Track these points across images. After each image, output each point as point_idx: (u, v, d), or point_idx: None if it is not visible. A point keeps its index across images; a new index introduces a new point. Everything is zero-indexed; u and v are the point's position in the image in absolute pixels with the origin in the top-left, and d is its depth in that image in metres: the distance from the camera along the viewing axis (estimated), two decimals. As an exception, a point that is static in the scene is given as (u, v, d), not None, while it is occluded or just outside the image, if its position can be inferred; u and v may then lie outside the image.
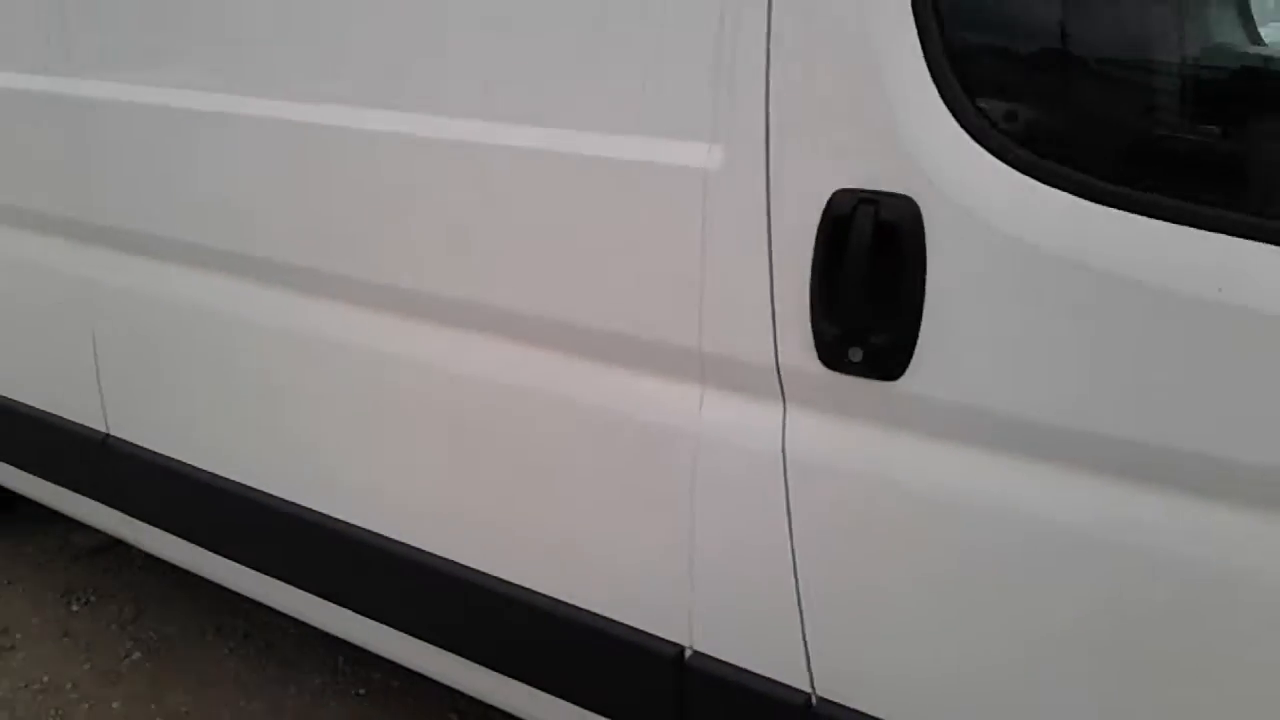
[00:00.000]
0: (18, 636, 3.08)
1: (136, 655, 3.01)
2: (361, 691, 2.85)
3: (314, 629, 2.49)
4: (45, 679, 2.90)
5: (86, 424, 2.68)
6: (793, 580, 1.68)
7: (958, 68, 1.40)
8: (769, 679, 1.76)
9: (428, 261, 1.94)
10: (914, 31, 1.41)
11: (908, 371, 1.49)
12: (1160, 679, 1.42)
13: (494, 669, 2.12)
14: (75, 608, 3.22)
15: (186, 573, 2.88)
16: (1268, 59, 1.60)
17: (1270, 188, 1.30)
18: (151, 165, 2.32)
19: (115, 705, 2.81)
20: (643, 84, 1.63)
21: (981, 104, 1.40)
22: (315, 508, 2.26)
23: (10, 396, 2.87)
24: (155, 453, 2.54)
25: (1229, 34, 1.60)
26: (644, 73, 1.62)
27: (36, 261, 2.68)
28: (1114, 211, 1.31)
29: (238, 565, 2.53)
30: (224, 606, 3.12)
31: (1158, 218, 1.29)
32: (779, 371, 1.60)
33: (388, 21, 1.89)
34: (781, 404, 1.64)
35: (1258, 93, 1.44)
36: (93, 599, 3.25)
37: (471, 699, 2.27)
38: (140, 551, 2.89)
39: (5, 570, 3.40)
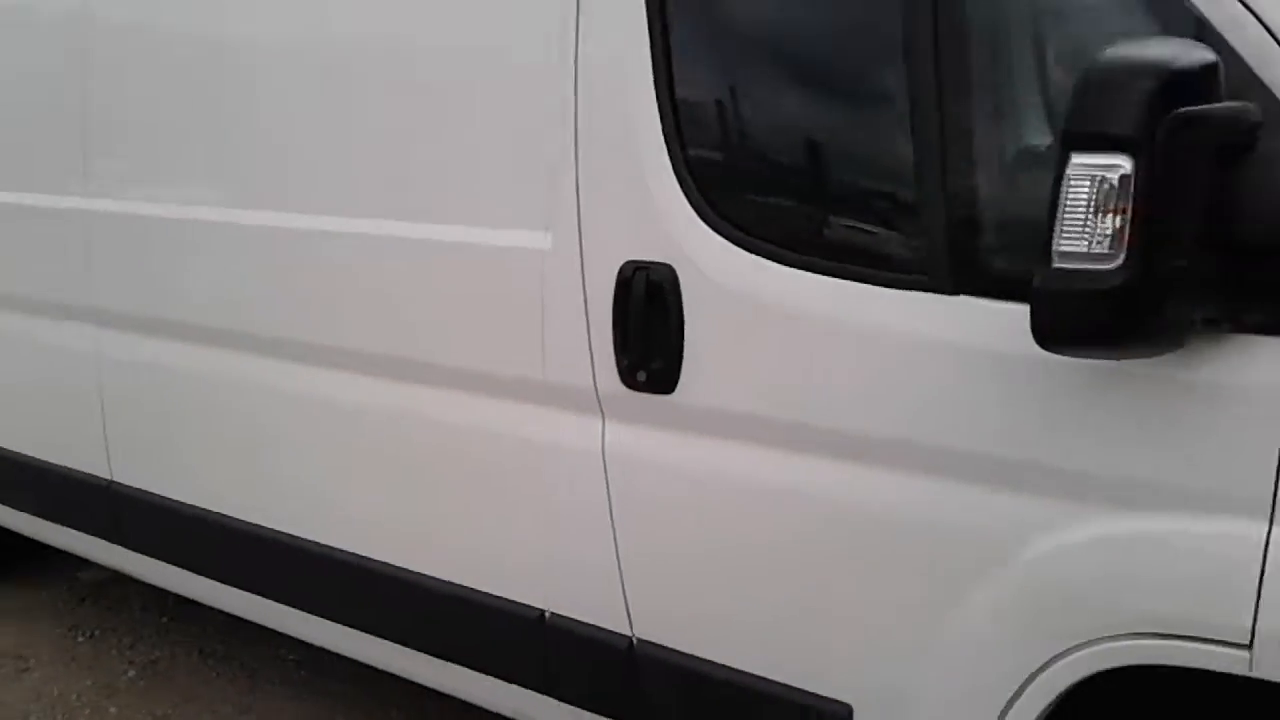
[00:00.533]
0: (32, 661, 3.65)
1: (131, 674, 3.58)
2: (318, 691, 3.42)
3: (276, 646, 3.08)
4: (55, 693, 3.47)
5: (93, 472, 3.30)
6: (614, 549, 2.30)
7: (694, 176, 2.08)
8: (603, 628, 2.36)
9: (354, 325, 2.61)
10: (665, 151, 2.08)
11: (678, 388, 2.13)
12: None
13: (403, 644, 2.72)
14: (80, 639, 3.79)
15: (177, 607, 3.46)
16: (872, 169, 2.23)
17: (876, 251, 1.95)
18: (145, 262, 3.01)
19: (112, 711, 3.38)
20: (504, 191, 2.31)
21: (709, 199, 2.07)
22: (277, 528, 2.88)
23: (26, 453, 3.51)
24: (151, 493, 3.17)
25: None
26: (505, 185, 2.31)
27: (56, 342, 3.34)
28: (785, 269, 1.97)
29: (215, 583, 3.13)
30: (210, 633, 3.70)
31: (814, 271, 1.95)
32: (597, 392, 2.24)
33: (302, 153, 2.60)
34: (601, 416, 2.27)
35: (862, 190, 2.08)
36: (95, 631, 3.83)
37: (410, 698, 2.83)
38: (137, 589, 3.48)
39: (23, 606, 3.98)
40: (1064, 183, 1.50)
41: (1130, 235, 1.47)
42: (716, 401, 2.11)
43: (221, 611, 3.25)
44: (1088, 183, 1.48)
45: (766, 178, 2.13)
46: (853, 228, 2.02)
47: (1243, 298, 1.60)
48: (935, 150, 1.82)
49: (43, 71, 3.26)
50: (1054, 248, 1.51)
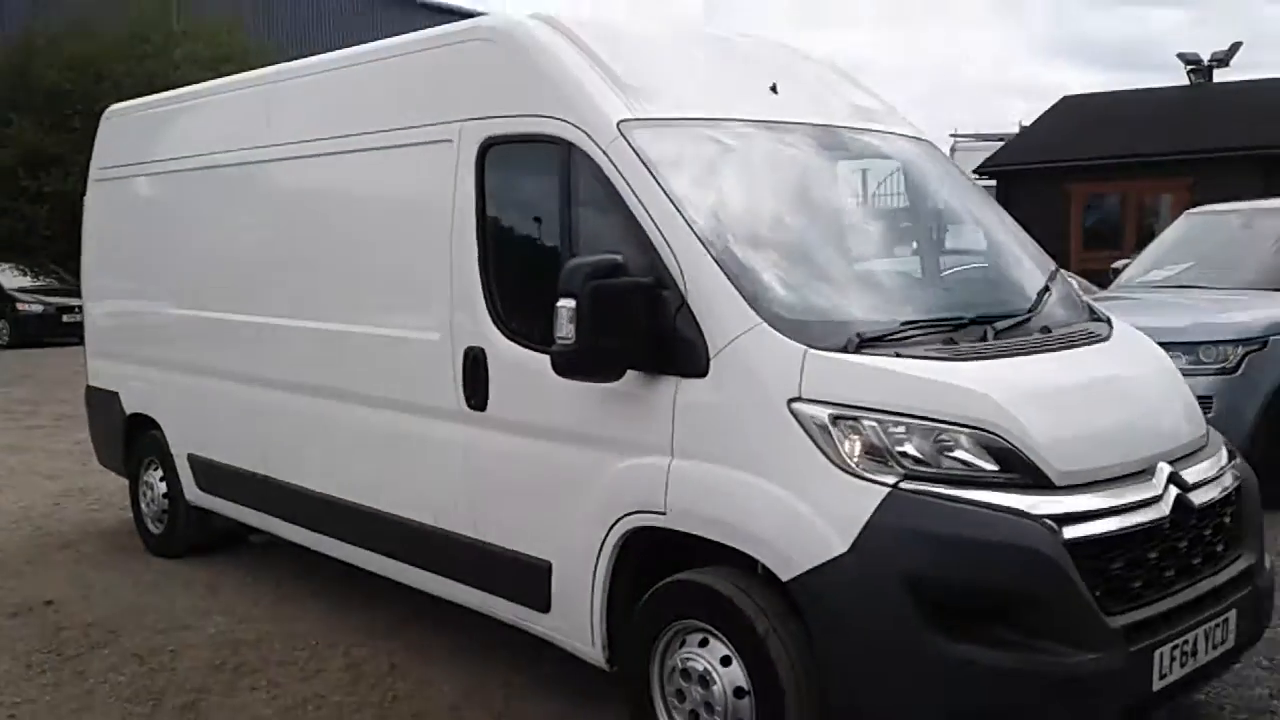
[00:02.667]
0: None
1: (266, 602, 6.04)
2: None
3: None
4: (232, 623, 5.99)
5: (255, 470, 5.88)
6: (463, 486, 4.58)
7: (490, 298, 4.39)
8: (456, 531, 4.63)
9: (338, 374, 5.09)
10: (480, 286, 4.42)
11: (488, 409, 4.43)
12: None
13: (390, 557, 5.09)
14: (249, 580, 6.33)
15: (304, 565, 5.92)
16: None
17: (542, 338, 4.19)
18: (250, 348, 5.64)
19: (249, 637, 5.84)
20: (417, 306, 4.71)
21: (496, 312, 4.38)
22: (313, 488, 5.36)
23: (231, 464, 6.14)
24: (280, 479, 5.71)
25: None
26: (418, 302, 4.71)
27: (236, 394, 5.98)
28: (527, 350, 4.22)
29: (311, 532, 5.61)
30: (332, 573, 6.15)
31: (535, 350, 4.20)
32: (463, 411, 4.55)
33: (304, 285, 5.18)
34: (459, 422, 4.58)
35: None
36: (249, 579, 6.37)
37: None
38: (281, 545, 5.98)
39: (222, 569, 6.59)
40: (557, 309, 3.74)
41: (577, 331, 3.69)
42: (504, 415, 4.38)
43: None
44: (564, 310, 3.71)
45: (513, 301, 4.38)
46: (532, 329, 4.24)
47: (663, 357, 3.77)
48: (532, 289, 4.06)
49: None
50: (555, 334, 3.75)
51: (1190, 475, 3.80)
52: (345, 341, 5.11)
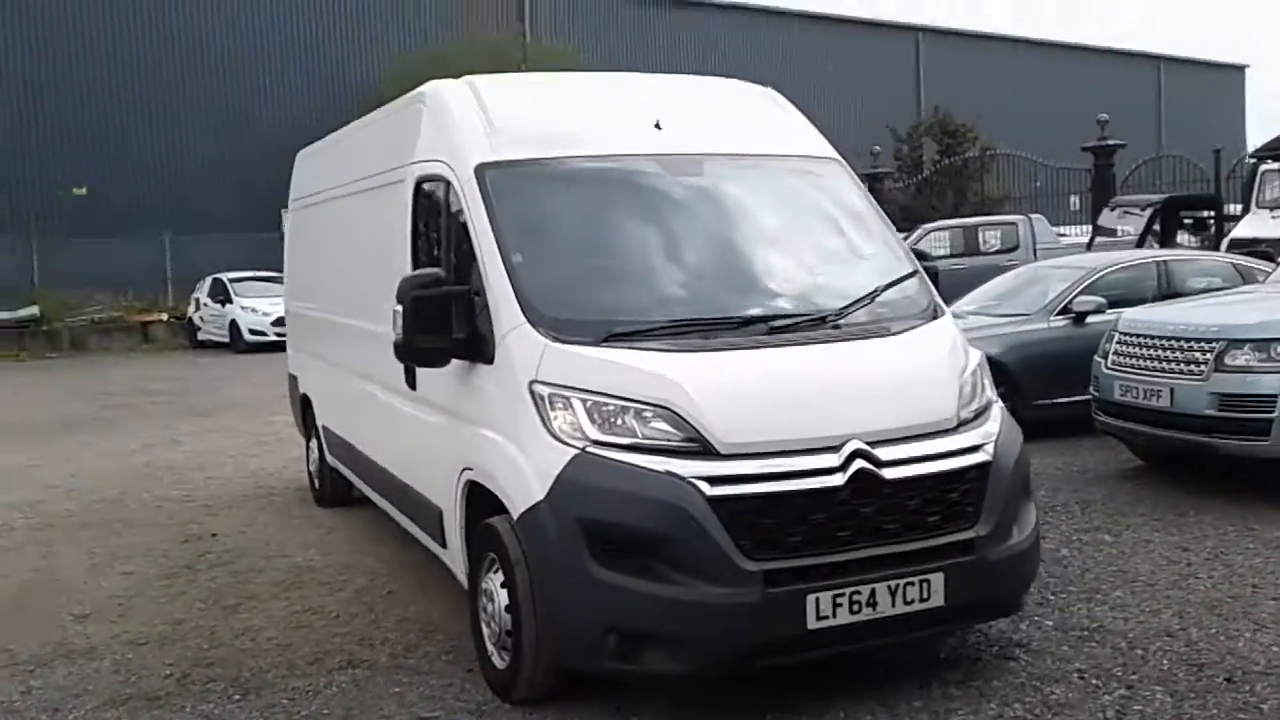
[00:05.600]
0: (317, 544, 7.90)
1: (355, 542, 7.64)
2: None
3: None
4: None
5: (343, 435, 7.52)
6: (408, 440, 5.91)
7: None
8: (408, 481, 5.97)
9: (360, 360, 6.54)
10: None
11: (417, 390, 5.71)
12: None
13: (389, 501, 6.52)
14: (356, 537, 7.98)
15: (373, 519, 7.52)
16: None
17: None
18: (336, 338, 7.23)
19: (318, 564, 7.45)
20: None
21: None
22: (359, 447, 6.87)
23: (335, 430, 7.83)
24: (353, 445, 7.30)
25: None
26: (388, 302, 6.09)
27: (334, 376, 7.63)
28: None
29: (364, 484, 7.17)
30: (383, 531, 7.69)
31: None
32: (407, 390, 5.87)
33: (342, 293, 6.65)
34: (407, 399, 5.89)
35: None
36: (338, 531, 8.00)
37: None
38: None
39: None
40: (395, 311, 4.97)
41: (402, 330, 4.90)
42: (424, 394, 5.64)
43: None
44: (395, 314, 4.93)
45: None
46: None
47: (476, 349, 4.91)
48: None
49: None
50: (394, 328, 4.97)
51: (890, 454, 4.42)
52: (364, 334, 6.58)
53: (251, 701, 4.94)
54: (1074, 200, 24.97)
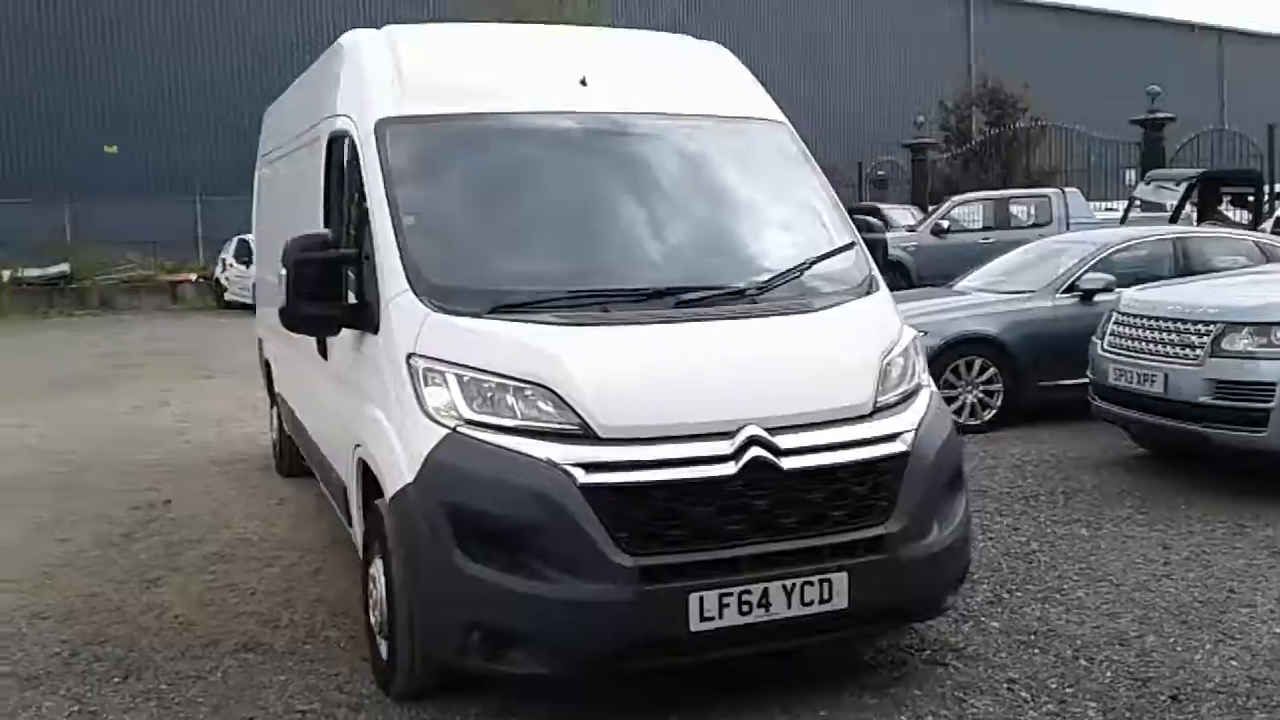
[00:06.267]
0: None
1: (299, 516, 7.39)
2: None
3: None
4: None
5: (289, 401, 7.26)
6: (324, 419, 5.62)
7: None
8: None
9: None
10: None
11: (329, 360, 5.40)
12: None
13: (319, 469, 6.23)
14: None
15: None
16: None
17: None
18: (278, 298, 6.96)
19: (255, 537, 7.21)
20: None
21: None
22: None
23: (285, 396, 7.56)
24: (295, 413, 7.02)
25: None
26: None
27: (280, 340, 7.37)
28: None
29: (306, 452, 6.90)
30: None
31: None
32: (320, 359, 5.57)
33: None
34: (320, 369, 5.59)
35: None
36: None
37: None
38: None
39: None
40: (280, 275, 4.65)
41: (286, 296, 4.58)
42: (333, 365, 5.32)
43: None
44: (281, 279, 4.60)
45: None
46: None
47: (365, 317, 4.58)
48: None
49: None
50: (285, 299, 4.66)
51: (790, 442, 4.04)
52: None
53: (130, 686, 4.70)
54: (1129, 175, 24.22)
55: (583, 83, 5.09)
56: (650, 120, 5.12)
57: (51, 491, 8.19)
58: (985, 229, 18.86)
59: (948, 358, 9.56)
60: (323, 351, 5.38)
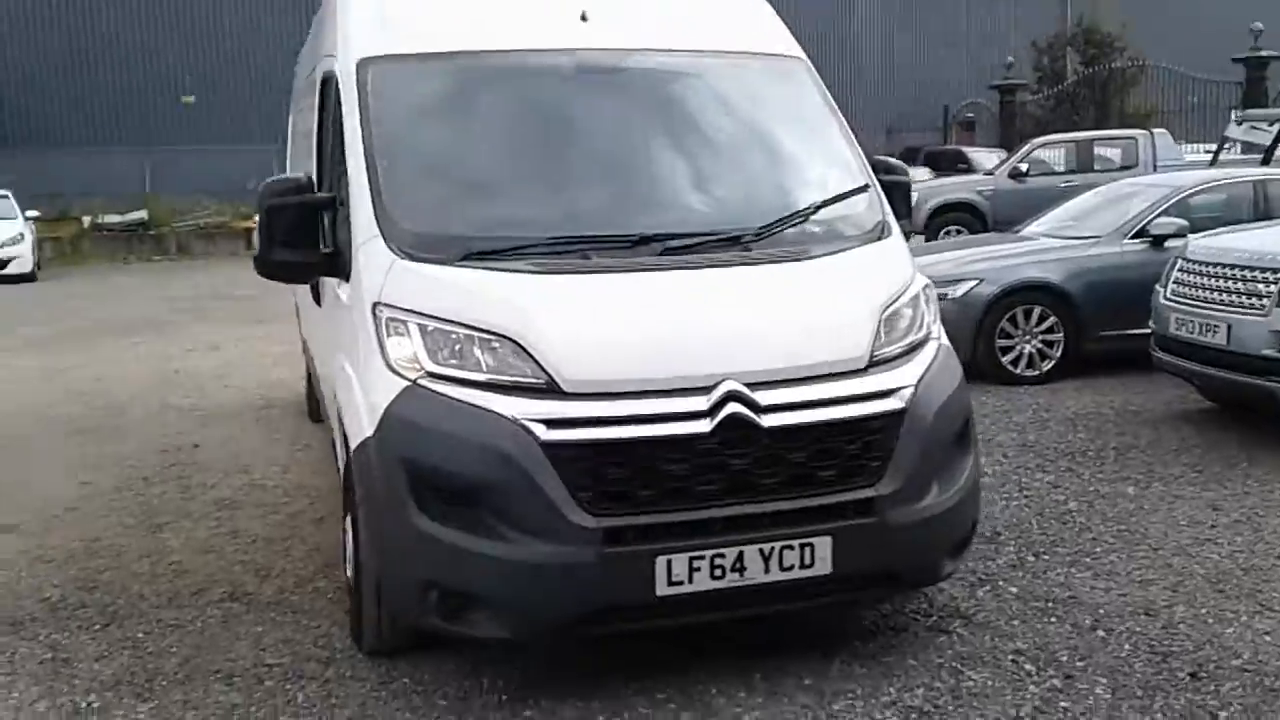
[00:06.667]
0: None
1: (320, 461, 7.30)
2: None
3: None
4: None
5: (310, 345, 7.14)
6: (327, 364, 5.47)
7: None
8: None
9: None
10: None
11: (321, 305, 5.24)
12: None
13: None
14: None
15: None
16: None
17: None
18: None
19: (272, 483, 7.12)
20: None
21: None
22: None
23: (308, 342, 7.46)
24: (311, 358, 6.90)
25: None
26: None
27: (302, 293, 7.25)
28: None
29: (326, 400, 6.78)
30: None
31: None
32: (315, 305, 5.41)
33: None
34: (317, 312, 5.43)
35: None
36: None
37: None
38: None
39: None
40: (256, 221, 4.47)
41: (260, 241, 4.39)
42: (324, 309, 5.16)
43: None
44: (268, 218, 4.39)
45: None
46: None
47: (339, 265, 4.38)
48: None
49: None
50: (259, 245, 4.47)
51: (771, 398, 3.76)
52: None
53: (109, 633, 4.62)
54: (1232, 115, 23.06)
55: (583, 17, 4.78)
56: (653, 57, 4.80)
57: (85, 434, 8.24)
58: (1068, 172, 18.05)
59: (1005, 305, 9.12)
60: (317, 299, 5.21)
